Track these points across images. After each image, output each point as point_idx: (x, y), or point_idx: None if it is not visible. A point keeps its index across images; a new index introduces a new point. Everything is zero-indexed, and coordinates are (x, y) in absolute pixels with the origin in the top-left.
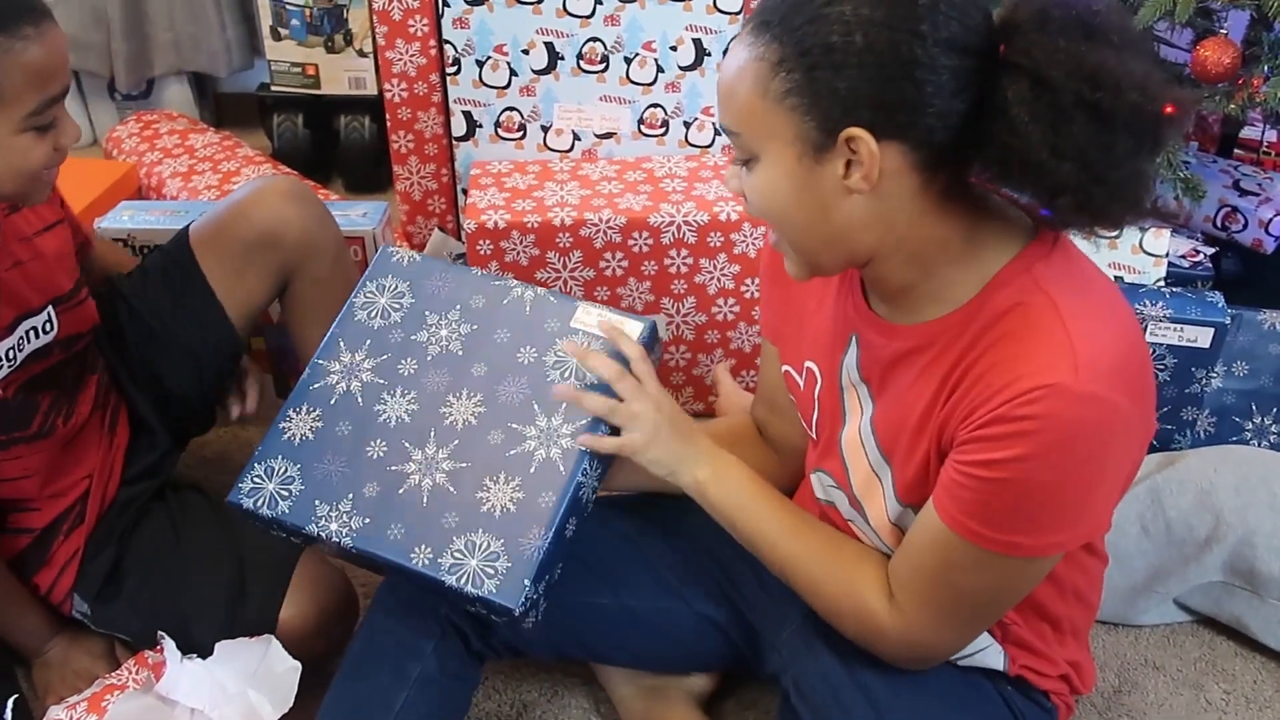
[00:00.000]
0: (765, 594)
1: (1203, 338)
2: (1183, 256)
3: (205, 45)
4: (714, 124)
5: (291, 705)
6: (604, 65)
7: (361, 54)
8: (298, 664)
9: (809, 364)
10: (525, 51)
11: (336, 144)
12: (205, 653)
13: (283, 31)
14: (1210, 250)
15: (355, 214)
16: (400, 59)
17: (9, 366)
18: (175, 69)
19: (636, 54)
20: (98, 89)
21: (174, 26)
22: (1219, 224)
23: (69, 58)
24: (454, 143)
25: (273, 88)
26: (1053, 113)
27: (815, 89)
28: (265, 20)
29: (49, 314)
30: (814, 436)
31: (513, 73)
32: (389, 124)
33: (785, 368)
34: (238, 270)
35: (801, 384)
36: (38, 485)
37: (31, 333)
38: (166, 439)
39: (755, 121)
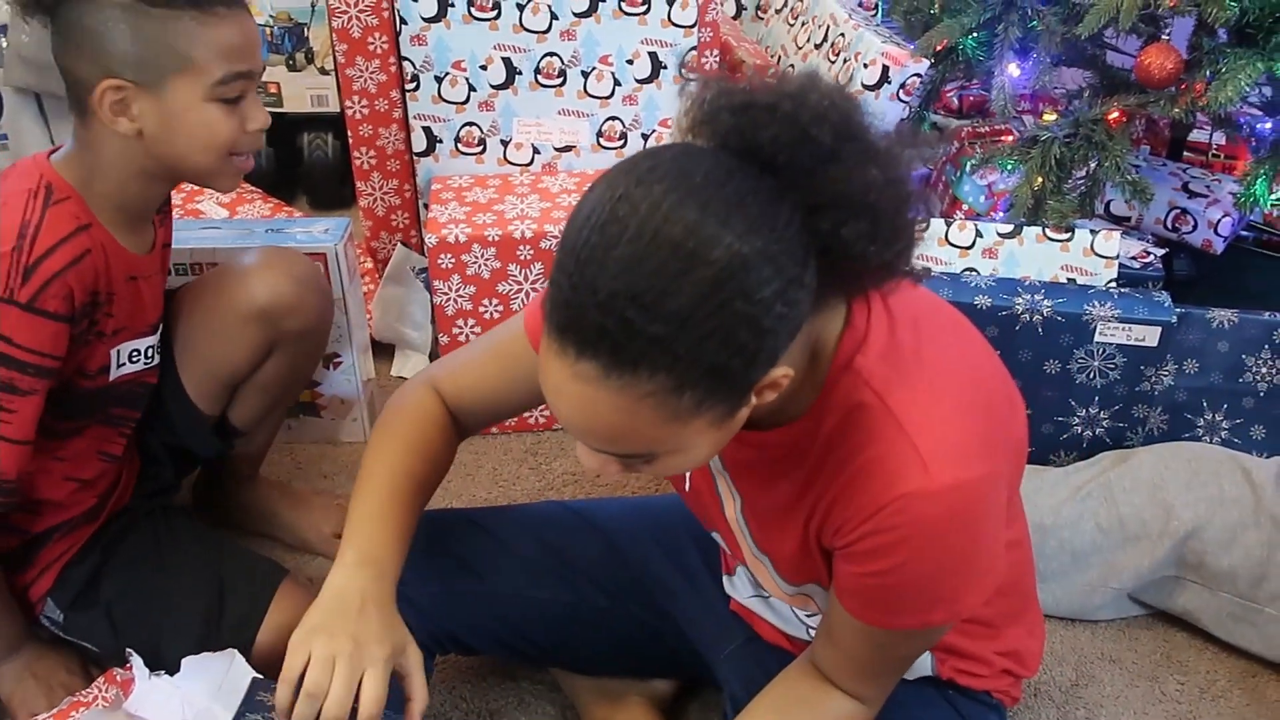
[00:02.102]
0: (705, 610)
1: (1150, 336)
2: (1133, 258)
3: None
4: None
5: None
6: (561, 79)
7: (323, 71)
8: (260, 677)
9: None
10: (483, 67)
11: (300, 162)
12: (174, 670)
13: None
14: (1160, 251)
15: (317, 230)
16: (360, 76)
17: (144, 364)
18: None
19: (594, 68)
20: (60, 110)
21: None
22: (1169, 225)
23: (259, 44)
24: (415, 158)
25: None
26: (883, 222)
27: (724, 386)
28: None
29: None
30: (686, 490)
31: (471, 88)
32: (350, 141)
33: None
34: (227, 337)
35: None
36: (67, 492)
37: (159, 338)
38: (171, 472)
39: (666, 441)
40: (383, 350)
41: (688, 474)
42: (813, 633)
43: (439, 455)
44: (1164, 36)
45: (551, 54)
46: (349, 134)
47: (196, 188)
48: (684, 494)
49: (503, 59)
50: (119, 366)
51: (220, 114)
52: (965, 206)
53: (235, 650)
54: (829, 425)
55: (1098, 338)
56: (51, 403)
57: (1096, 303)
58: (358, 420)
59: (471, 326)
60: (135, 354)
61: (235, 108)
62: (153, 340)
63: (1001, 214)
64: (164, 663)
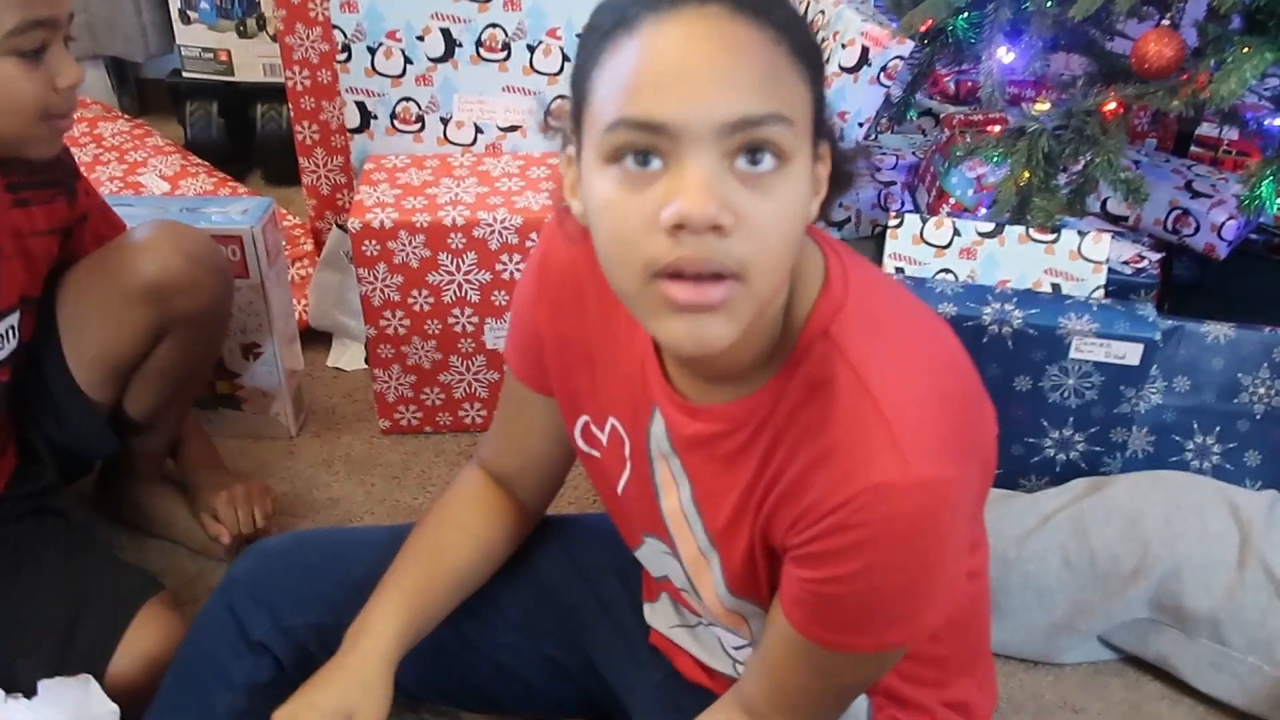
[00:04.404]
0: (621, 642)
1: (1131, 354)
2: (1125, 263)
3: (120, 29)
4: None
5: None
6: (505, 53)
7: (275, 39)
8: (116, 708)
9: (613, 421)
10: (420, 38)
11: (253, 133)
12: (29, 692)
13: (192, 15)
14: (1156, 256)
15: (234, 211)
16: (301, 44)
17: None
18: (90, 53)
19: (540, 41)
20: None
21: (88, 9)
22: (1169, 227)
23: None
24: (349, 135)
25: (184, 74)
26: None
27: (818, 74)
28: (174, 3)
29: (18, 316)
30: (619, 493)
31: (407, 60)
32: (292, 114)
33: (584, 419)
34: (113, 318)
35: (605, 442)
36: None
37: (10, 331)
38: (53, 473)
39: (800, 108)
40: (321, 339)
41: (623, 475)
42: (739, 669)
43: (471, 522)
44: (1164, 21)
45: (494, 25)
46: (290, 106)
47: (139, 159)
48: (613, 500)
49: (441, 29)
50: None
51: (20, 70)
52: (952, 200)
53: (90, 677)
54: (794, 397)
55: (1073, 354)
56: None
57: (1073, 315)
58: (280, 414)
59: (400, 319)
60: None
61: (39, 64)
62: None
63: (986, 210)
64: (20, 684)
